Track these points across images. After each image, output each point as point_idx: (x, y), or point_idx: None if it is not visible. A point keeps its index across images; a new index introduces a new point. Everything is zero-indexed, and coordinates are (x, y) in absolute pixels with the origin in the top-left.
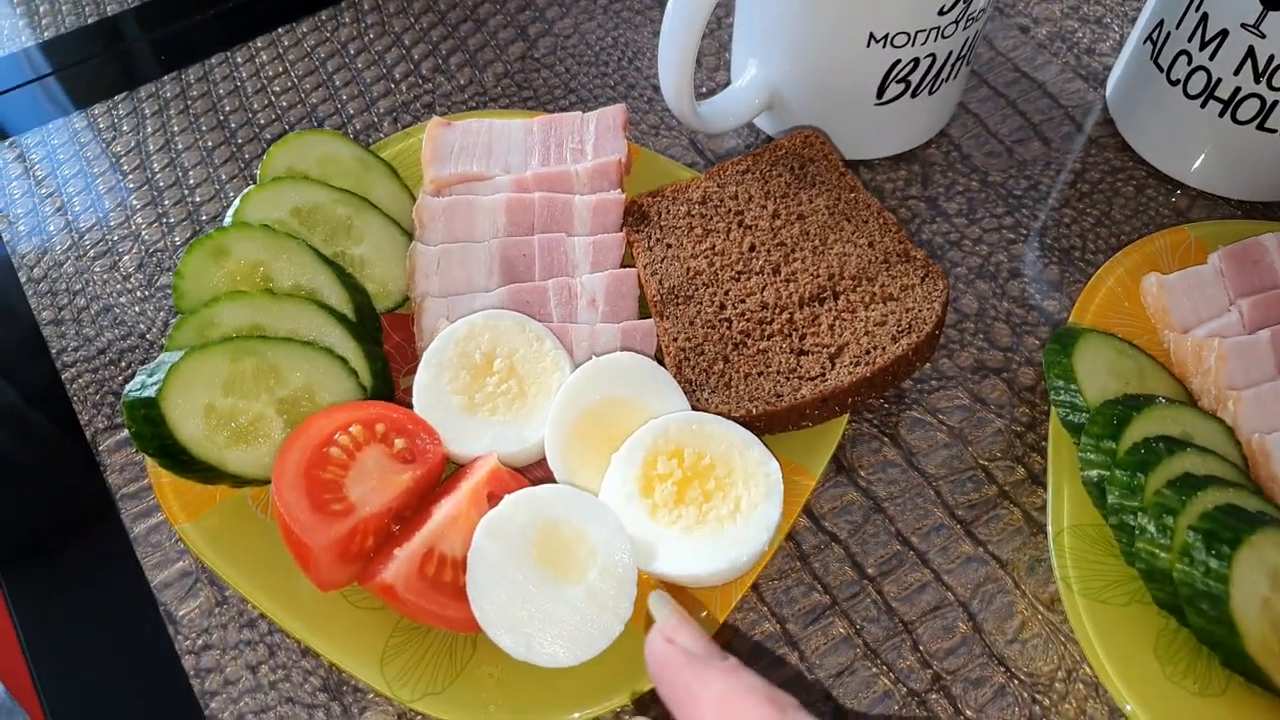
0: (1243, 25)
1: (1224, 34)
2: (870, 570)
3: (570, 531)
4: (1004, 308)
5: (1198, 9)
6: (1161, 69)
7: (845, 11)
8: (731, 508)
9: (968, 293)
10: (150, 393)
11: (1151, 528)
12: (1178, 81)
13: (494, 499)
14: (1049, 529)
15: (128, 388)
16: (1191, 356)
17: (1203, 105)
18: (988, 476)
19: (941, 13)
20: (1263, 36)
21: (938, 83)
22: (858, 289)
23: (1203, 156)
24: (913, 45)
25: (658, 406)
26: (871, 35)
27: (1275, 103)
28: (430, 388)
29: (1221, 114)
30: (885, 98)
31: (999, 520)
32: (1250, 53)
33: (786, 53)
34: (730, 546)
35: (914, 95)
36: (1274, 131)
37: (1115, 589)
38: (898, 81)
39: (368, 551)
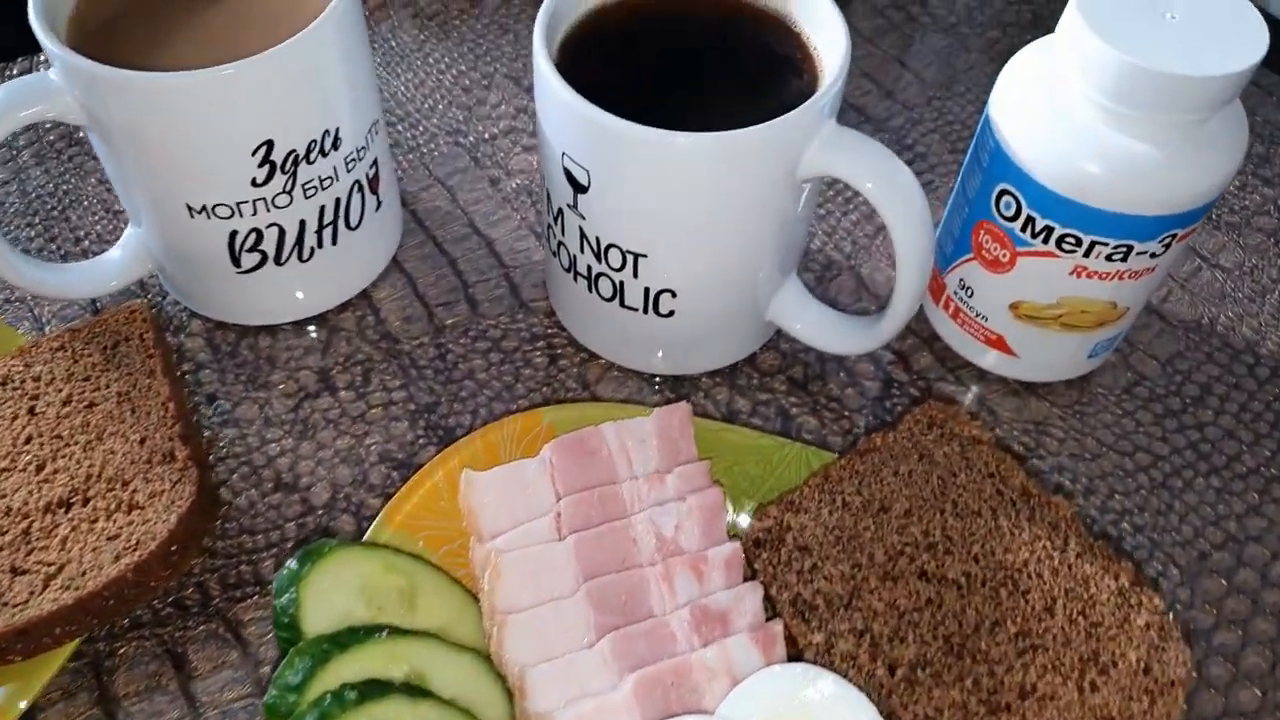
0: (568, 206)
1: (561, 214)
2: None
3: None
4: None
5: (543, 185)
6: (537, 236)
7: (151, 178)
8: None
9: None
10: None
11: None
12: (555, 253)
13: None
14: None
15: None
16: (479, 568)
17: (575, 280)
18: None
19: (255, 185)
20: (583, 218)
21: (307, 251)
22: (109, 493)
23: (596, 328)
24: (241, 217)
25: None
26: (189, 206)
27: (621, 282)
28: None
29: (589, 290)
30: (245, 267)
31: None
32: (582, 233)
33: (133, 213)
34: None
35: (280, 264)
36: (635, 310)
37: None
38: (249, 251)
39: None
